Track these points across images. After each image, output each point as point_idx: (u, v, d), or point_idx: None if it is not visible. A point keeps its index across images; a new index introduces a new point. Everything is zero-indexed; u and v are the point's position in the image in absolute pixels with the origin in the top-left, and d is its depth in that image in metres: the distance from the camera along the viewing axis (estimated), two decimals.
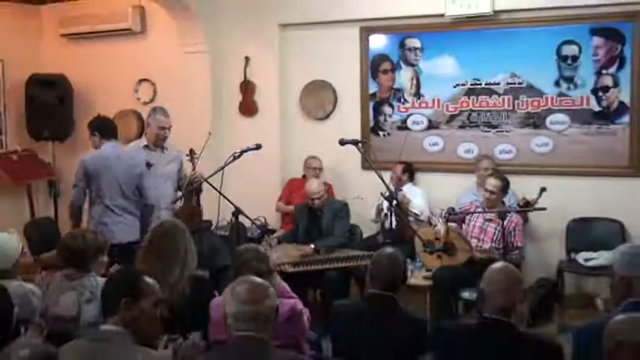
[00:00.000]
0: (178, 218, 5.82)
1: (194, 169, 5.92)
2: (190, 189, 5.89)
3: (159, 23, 8.20)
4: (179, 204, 6.01)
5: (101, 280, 3.72)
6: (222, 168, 5.67)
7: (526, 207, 6.18)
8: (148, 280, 3.02)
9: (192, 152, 5.98)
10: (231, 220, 5.72)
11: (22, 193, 8.30)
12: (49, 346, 2.31)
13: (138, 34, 8.30)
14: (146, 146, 6.11)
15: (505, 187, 6.12)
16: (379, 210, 6.73)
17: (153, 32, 8.32)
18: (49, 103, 8.31)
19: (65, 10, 8.55)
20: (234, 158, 5.68)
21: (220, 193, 5.57)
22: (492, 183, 6.09)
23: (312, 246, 6.18)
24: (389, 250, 4.07)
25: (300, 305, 3.91)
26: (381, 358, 3.51)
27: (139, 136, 8.37)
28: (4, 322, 3.13)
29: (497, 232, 6.06)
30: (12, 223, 7.08)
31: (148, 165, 5.97)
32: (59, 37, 8.69)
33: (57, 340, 3.18)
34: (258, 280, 3.06)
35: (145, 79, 8.43)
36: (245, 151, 5.70)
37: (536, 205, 6.13)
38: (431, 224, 6.25)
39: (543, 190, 6.21)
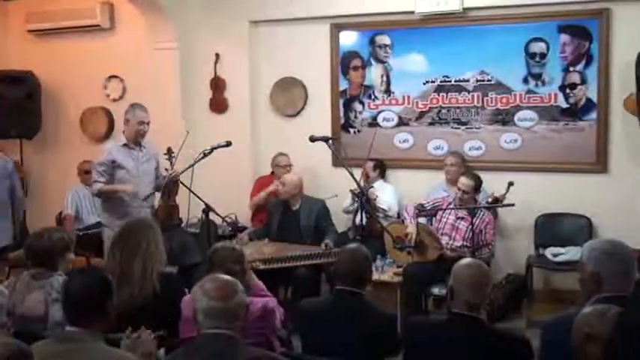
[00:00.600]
0: (157, 216, 5.86)
1: (172, 167, 5.86)
2: (169, 187, 5.87)
3: (128, 19, 8.14)
4: (150, 200, 5.98)
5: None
6: (192, 165, 5.67)
7: (495, 203, 6.23)
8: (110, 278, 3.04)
9: (169, 151, 5.93)
10: (201, 217, 5.72)
11: None
12: (22, 344, 2.29)
13: (107, 30, 8.24)
14: (125, 144, 5.99)
15: (478, 187, 6.15)
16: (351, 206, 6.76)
17: (122, 28, 8.26)
18: (17, 101, 8.23)
19: (32, 5, 8.46)
20: (204, 155, 5.68)
21: (190, 190, 5.57)
22: (464, 182, 6.12)
23: (326, 242, 6.21)
24: (352, 246, 4.08)
25: (271, 304, 3.91)
26: (350, 354, 3.50)
27: (109, 133, 8.36)
28: None
29: (468, 230, 6.09)
30: None
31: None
32: (26, 32, 8.60)
33: (24, 339, 3.16)
34: (228, 277, 3.06)
35: (114, 76, 8.37)
36: (215, 148, 5.70)
37: (505, 200, 6.18)
38: (403, 222, 6.28)
39: (511, 184, 6.26)
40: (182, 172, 5.75)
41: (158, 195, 6.11)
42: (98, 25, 8.15)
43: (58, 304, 3.75)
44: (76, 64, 8.42)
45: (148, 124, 6.02)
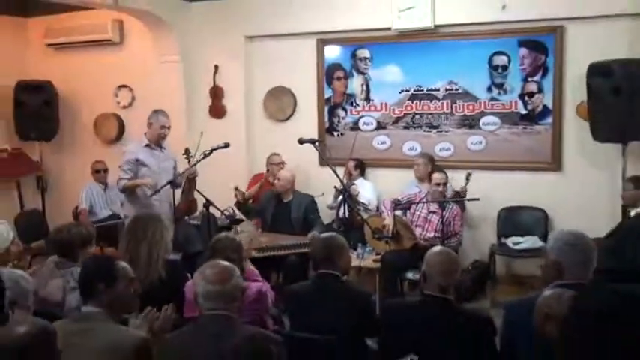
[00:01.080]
0: (179, 210, 5.87)
1: (190, 166, 5.78)
2: (188, 185, 5.85)
3: (136, 35, 8.13)
4: (165, 195, 5.91)
5: None
6: (195, 164, 5.68)
7: (457, 197, 6.28)
8: (121, 263, 3.03)
9: (187, 151, 5.85)
10: (202, 211, 5.73)
11: (12, 188, 8.21)
12: (47, 323, 2.30)
13: (117, 44, 8.23)
14: (147, 145, 5.91)
15: (446, 179, 6.25)
16: (335, 202, 6.79)
17: (131, 43, 8.25)
18: (36, 107, 8.20)
19: (50, 22, 8.44)
20: (205, 156, 5.68)
21: (190, 185, 5.59)
22: (438, 177, 6.21)
23: (314, 232, 6.22)
24: (325, 234, 4.11)
25: (265, 287, 3.94)
26: (332, 330, 3.50)
27: (119, 136, 8.36)
28: None
29: (439, 222, 6.15)
30: (3, 214, 6.99)
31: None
32: (45, 46, 8.57)
33: (44, 318, 3.18)
34: (226, 263, 3.09)
35: (124, 85, 8.36)
36: (215, 149, 5.70)
37: (467, 190, 6.24)
38: (381, 215, 6.32)
39: (469, 175, 6.32)
40: (185, 171, 5.75)
41: (177, 192, 6.06)
42: (109, 40, 8.13)
43: (74, 293, 3.76)
44: (89, 74, 8.40)
45: (169, 128, 5.97)
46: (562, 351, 1.90)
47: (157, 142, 5.96)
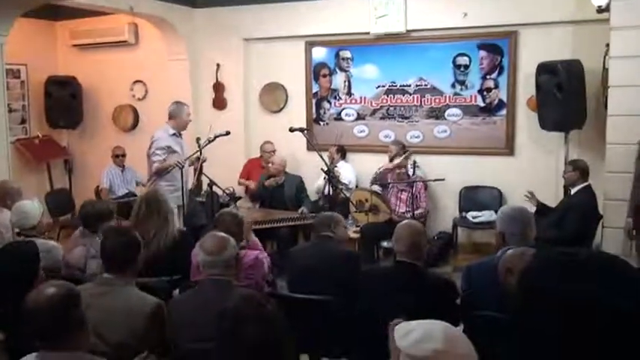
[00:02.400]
0: (195, 187, 6.00)
1: (201, 153, 5.70)
2: (200, 167, 5.81)
3: (149, 37, 8.04)
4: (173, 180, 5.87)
5: None
6: (200, 150, 5.66)
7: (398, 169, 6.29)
8: (139, 237, 3.03)
9: (198, 140, 5.79)
10: (207, 190, 5.72)
11: (42, 170, 8.16)
12: (72, 286, 2.30)
13: (132, 45, 8.13)
14: (174, 134, 5.79)
15: (413, 162, 6.27)
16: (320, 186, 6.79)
17: (144, 44, 8.16)
18: (64, 99, 8.14)
19: (75, 25, 8.33)
20: (209, 142, 5.66)
21: (200, 169, 5.57)
22: (398, 161, 6.24)
23: (303, 209, 6.31)
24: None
25: (261, 255, 3.93)
26: (324, 282, 3.54)
27: (135, 125, 8.31)
28: (32, 268, 3.11)
29: (408, 197, 6.19)
30: (35, 192, 7.01)
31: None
32: (71, 46, 8.46)
33: (69, 282, 3.17)
34: (222, 235, 3.08)
35: (139, 81, 8.28)
36: (217, 136, 5.67)
37: (409, 162, 6.28)
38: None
39: (407, 152, 6.36)
40: (191, 155, 5.71)
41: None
42: (126, 41, 8.04)
43: (93, 260, 3.76)
44: (109, 70, 8.32)
45: (190, 115, 5.96)
46: (520, 297, 1.95)
47: (182, 130, 5.87)
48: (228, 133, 5.79)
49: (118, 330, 2.66)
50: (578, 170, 5.22)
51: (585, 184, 5.19)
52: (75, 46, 8.46)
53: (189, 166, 5.83)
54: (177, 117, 5.83)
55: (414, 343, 1.65)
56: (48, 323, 2.12)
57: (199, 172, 5.90)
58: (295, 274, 3.92)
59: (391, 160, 6.43)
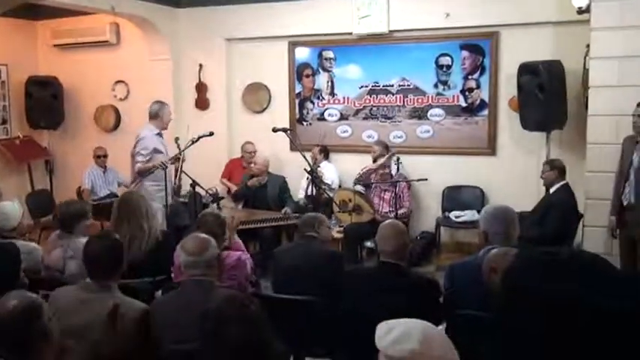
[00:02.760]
0: (177, 188, 5.88)
1: (180, 152, 5.62)
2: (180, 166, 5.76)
3: (131, 37, 7.98)
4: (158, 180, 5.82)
5: (83, 241, 3.63)
6: (183, 150, 5.62)
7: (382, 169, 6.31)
8: (120, 240, 3.01)
9: (177, 140, 5.69)
10: (189, 190, 5.68)
11: (23, 170, 8.08)
12: (35, 297, 2.25)
13: (114, 45, 8.07)
14: (159, 134, 5.76)
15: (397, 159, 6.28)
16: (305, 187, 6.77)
17: (126, 44, 8.10)
18: (45, 99, 8.05)
19: (56, 24, 8.25)
20: (193, 142, 5.63)
21: (182, 170, 5.53)
22: (381, 161, 6.23)
23: (287, 209, 6.28)
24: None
25: (244, 256, 3.89)
26: (308, 282, 3.53)
27: (117, 125, 8.24)
28: (14, 270, 3.07)
29: (392, 198, 6.20)
30: (16, 193, 6.93)
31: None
32: (52, 46, 8.37)
33: (49, 283, 3.13)
34: (203, 236, 3.06)
35: (120, 81, 8.21)
36: (201, 137, 5.64)
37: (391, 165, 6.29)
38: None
39: (391, 152, 6.37)
40: (175, 155, 5.66)
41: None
42: (107, 41, 7.97)
43: (72, 261, 3.71)
44: (90, 71, 8.25)
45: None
46: (503, 296, 1.96)
47: (164, 130, 5.83)
48: (211, 134, 5.76)
49: (105, 338, 2.63)
50: (556, 169, 5.29)
51: (563, 182, 5.26)
52: (56, 45, 8.37)
53: (171, 164, 5.79)
54: (160, 117, 5.79)
55: (391, 344, 1.67)
56: (10, 335, 2.08)
57: (180, 172, 5.87)
58: (279, 275, 3.91)
59: (374, 160, 6.44)
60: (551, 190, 5.33)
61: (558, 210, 5.12)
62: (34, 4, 6.76)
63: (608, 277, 1.76)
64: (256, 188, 6.62)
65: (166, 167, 5.53)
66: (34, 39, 8.55)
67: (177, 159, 5.67)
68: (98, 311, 2.68)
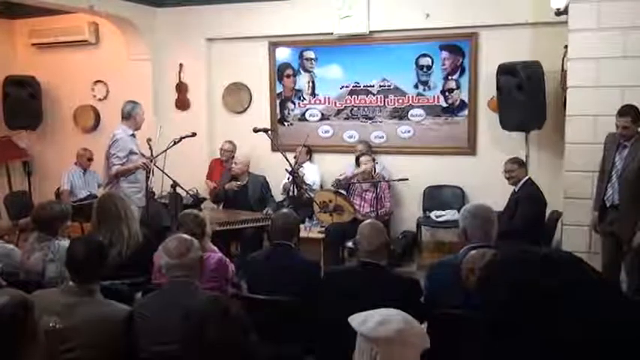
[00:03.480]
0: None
1: (152, 154, 5.59)
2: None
3: (110, 36, 7.93)
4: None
5: (63, 244, 3.58)
6: (165, 150, 5.59)
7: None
8: (105, 243, 2.99)
9: (149, 140, 5.65)
10: (170, 191, 5.64)
11: (1, 172, 8.01)
12: (26, 295, 2.23)
13: (93, 44, 8.01)
14: (132, 135, 5.71)
15: (373, 159, 6.31)
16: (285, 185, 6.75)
17: (105, 43, 8.04)
18: (23, 99, 7.96)
19: (34, 24, 8.16)
20: (175, 143, 5.61)
21: (162, 170, 5.49)
22: (366, 159, 6.26)
23: (268, 209, 6.27)
24: (284, 210, 4.06)
25: (225, 258, 3.88)
26: (283, 293, 3.48)
27: (96, 125, 8.17)
28: None
29: (373, 198, 6.22)
30: None
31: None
32: (30, 45, 8.29)
33: (28, 286, 3.10)
34: (186, 237, 3.04)
35: (100, 81, 8.14)
36: (183, 137, 5.64)
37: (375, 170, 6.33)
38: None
39: (374, 159, 6.44)
40: (157, 156, 5.62)
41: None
42: (86, 41, 7.92)
43: (52, 264, 3.67)
44: (69, 70, 8.17)
45: None
46: (482, 293, 1.99)
47: (137, 130, 5.77)
48: (194, 135, 5.76)
49: (94, 339, 2.63)
50: (523, 166, 5.51)
51: (527, 177, 5.47)
52: (34, 45, 8.29)
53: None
54: (133, 117, 5.73)
55: (375, 326, 1.75)
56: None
57: (152, 174, 5.84)
58: (252, 285, 3.82)
59: (357, 158, 6.44)
60: (518, 186, 5.46)
61: (529, 203, 5.24)
62: (11, 2, 6.69)
63: (589, 277, 1.80)
64: (237, 189, 6.58)
65: (149, 168, 5.49)
66: (12, 38, 8.45)
67: (150, 160, 5.65)
68: (83, 316, 2.68)
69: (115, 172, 5.59)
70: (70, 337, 2.60)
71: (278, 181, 6.89)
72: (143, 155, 5.67)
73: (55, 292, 2.85)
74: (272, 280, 3.61)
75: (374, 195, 6.18)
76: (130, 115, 5.74)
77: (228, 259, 3.89)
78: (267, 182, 6.71)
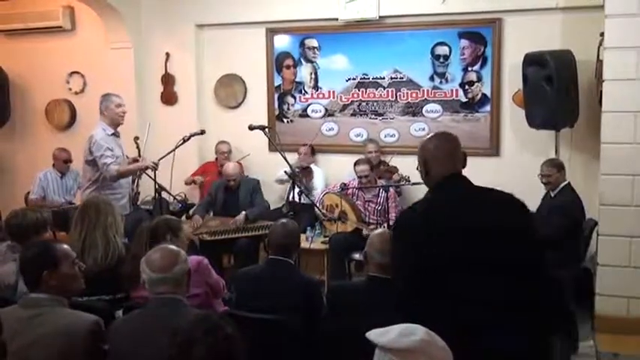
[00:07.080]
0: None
1: (139, 154, 5.58)
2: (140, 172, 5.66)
3: (87, 22, 7.93)
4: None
5: None
6: (174, 150, 5.61)
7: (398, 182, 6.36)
8: (60, 246, 2.90)
9: (136, 139, 5.63)
10: (154, 196, 5.62)
11: None
12: None
13: (68, 31, 8.00)
14: (113, 134, 5.56)
15: (372, 167, 6.32)
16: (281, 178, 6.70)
17: (82, 30, 8.04)
18: None
19: (2, 8, 8.13)
20: (184, 141, 5.70)
21: (147, 174, 5.48)
22: (361, 169, 6.25)
23: (244, 213, 6.20)
24: (284, 220, 3.98)
25: (205, 260, 3.83)
26: (278, 313, 3.42)
27: (72, 122, 8.16)
28: None
29: (377, 209, 6.23)
30: None
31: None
32: None
33: None
34: (171, 247, 2.98)
35: (76, 72, 8.14)
36: (192, 135, 5.77)
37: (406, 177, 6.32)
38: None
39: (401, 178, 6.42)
40: (163, 157, 5.60)
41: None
42: (61, 27, 7.91)
43: None
44: (41, 60, 8.17)
45: (124, 106, 5.64)
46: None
47: (117, 126, 5.60)
48: (203, 132, 5.91)
49: (52, 356, 2.57)
50: (563, 169, 5.49)
51: (566, 182, 5.46)
52: (2, 31, 8.28)
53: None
54: (106, 111, 5.56)
55: (397, 338, 1.85)
56: None
57: (139, 178, 5.84)
58: (245, 304, 3.79)
59: (369, 160, 6.43)
60: (555, 192, 5.44)
61: (566, 212, 5.22)
62: None
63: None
64: (227, 195, 6.55)
65: (157, 168, 5.46)
66: None
67: (135, 161, 5.62)
68: (43, 328, 2.62)
69: (116, 172, 5.41)
70: (25, 356, 2.54)
71: (276, 185, 6.87)
72: (136, 158, 5.61)
73: (15, 308, 2.80)
74: (266, 298, 3.58)
75: (379, 206, 6.23)
76: (101, 111, 5.60)
77: (207, 261, 3.84)
78: (259, 184, 6.64)
